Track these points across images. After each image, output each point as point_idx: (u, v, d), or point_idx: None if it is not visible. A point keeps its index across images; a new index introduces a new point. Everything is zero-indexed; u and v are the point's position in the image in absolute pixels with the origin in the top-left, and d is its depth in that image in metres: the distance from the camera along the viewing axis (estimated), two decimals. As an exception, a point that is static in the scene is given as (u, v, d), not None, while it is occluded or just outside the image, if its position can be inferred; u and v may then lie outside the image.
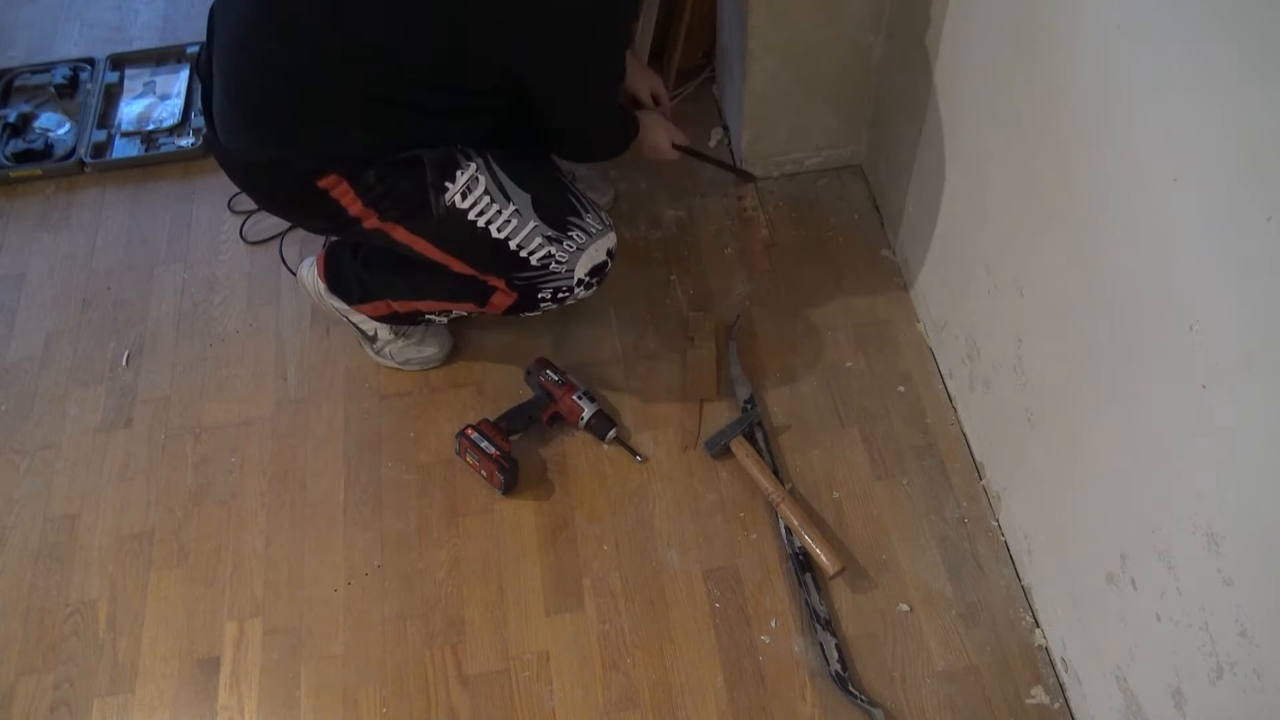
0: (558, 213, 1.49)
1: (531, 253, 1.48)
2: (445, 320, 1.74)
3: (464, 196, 1.44)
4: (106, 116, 2.21)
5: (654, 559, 1.59)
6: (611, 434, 1.69)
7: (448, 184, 1.43)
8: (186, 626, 1.57)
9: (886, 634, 1.51)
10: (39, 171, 2.12)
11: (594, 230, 1.51)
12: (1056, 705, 1.44)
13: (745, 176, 2.00)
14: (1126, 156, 1.09)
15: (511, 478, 1.63)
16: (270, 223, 2.02)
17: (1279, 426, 0.92)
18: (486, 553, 1.61)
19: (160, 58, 2.32)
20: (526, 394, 1.74)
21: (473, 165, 1.44)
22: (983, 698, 1.45)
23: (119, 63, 2.30)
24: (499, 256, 1.48)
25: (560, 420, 1.71)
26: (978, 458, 1.65)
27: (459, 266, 1.52)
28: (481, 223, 1.45)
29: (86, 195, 2.11)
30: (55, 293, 1.96)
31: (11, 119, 2.18)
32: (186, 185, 2.11)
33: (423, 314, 1.70)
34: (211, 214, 2.06)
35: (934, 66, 1.59)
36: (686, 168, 2.05)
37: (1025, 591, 1.53)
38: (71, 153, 2.13)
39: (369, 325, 1.74)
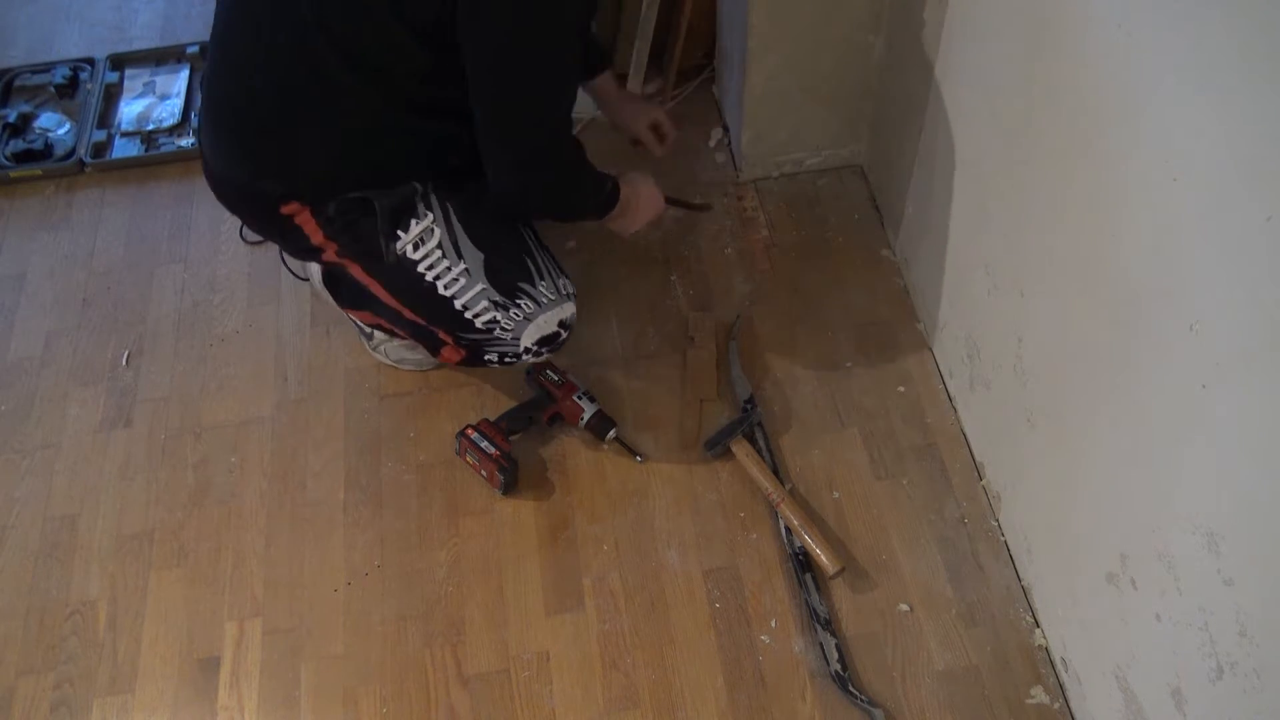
0: (509, 278, 1.44)
1: (477, 315, 1.45)
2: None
3: (415, 248, 1.42)
4: (106, 116, 2.21)
5: (654, 559, 1.59)
6: (611, 434, 1.68)
7: (400, 232, 1.41)
8: (186, 626, 1.57)
9: (886, 634, 1.51)
10: (39, 171, 2.12)
11: (545, 301, 1.46)
12: (1056, 705, 1.44)
13: (702, 208, 1.95)
14: (1126, 156, 1.09)
15: (511, 477, 1.63)
16: (270, 223, 2.03)
17: (1279, 426, 0.92)
18: (486, 553, 1.61)
19: (160, 58, 2.32)
20: (527, 394, 1.74)
21: (430, 216, 1.41)
22: (983, 698, 1.45)
23: (119, 63, 2.30)
24: (445, 312, 1.46)
25: (560, 420, 1.71)
26: (978, 458, 1.65)
27: (409, 315, 1.51)
28: (430, 277, 1.43)
29: (86, 195, 2.11)
30: (55, 293, 1.96)
31: (11, 119, 2.18)
32: (186, 185, 2.11)
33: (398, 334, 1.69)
34: (211, 214, 2.06)
35: (934, 66, 1.59)
36: (687, 168, 2.05)
37: (1025, 591, 1.53)
38: (71, 153, 2.13)
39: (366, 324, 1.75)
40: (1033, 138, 1.30)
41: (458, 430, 1.66)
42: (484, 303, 1.44)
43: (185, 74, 2.27)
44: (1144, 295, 1.09)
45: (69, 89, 2.26)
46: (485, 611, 1.56)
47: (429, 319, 1.50)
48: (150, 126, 2.18)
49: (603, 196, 1.54)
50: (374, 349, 1.79)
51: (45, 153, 2.14)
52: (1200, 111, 0.96)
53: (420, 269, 1.42)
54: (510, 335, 1.47)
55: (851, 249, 1.94)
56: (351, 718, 1.48)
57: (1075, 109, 1.18)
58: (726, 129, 2.10)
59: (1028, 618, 1.51)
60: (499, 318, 1.45)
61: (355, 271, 1.48)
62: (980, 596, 1.53)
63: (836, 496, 1.64)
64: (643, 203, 1.63)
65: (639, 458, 1.68)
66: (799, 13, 1.74)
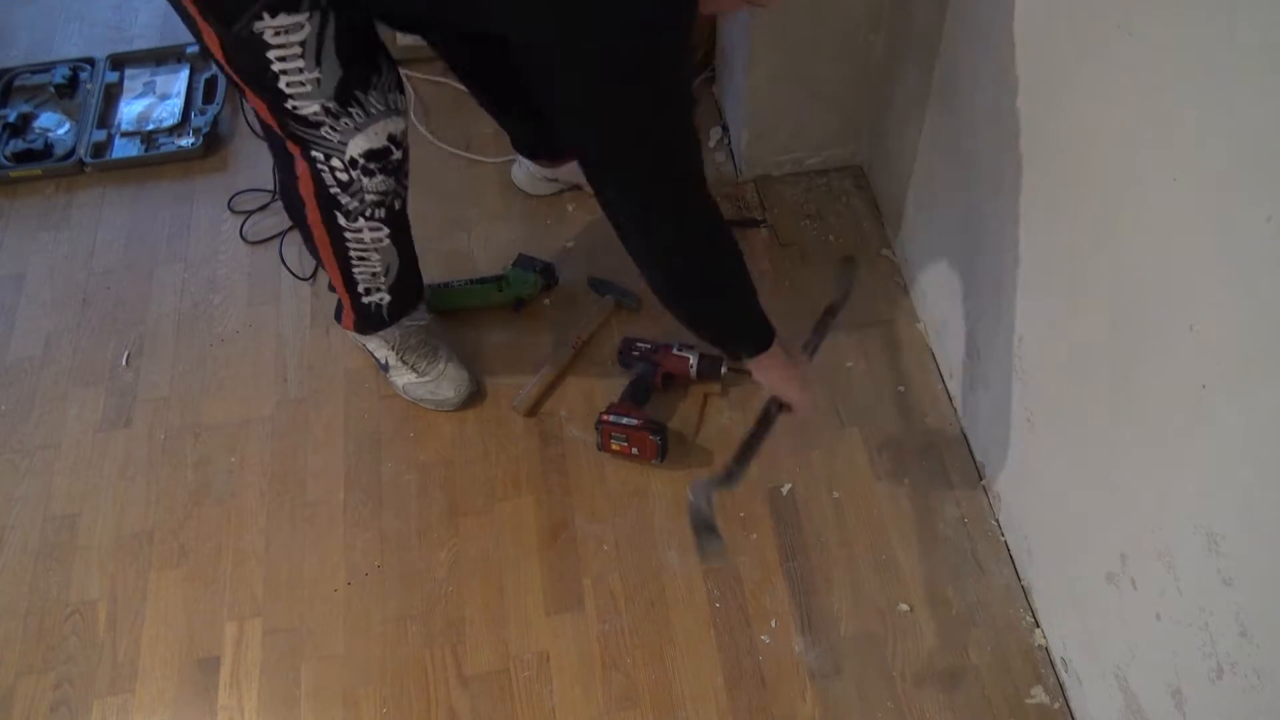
0: (349, 88, 1.34)
1: (305, 113, 1.35)
2: (376, 290, 1.61)
3: (276, 34, 1.27)
4: (106, 116, 2.21)
5: (654, 559, 1.59)
6: (724, 369, 1.71)
7: (267, 14, 1.25)
8: (186, 626, 1.57)
9: (886, 634, 1.51)
10: (39, 171, 2.12)
11: (375, 112, 1.37)
12: (1056, 705, 1.44)
13: (837, 306, 1.66)
14: (1126, 156, 1.09)
15: (664, 440, 1.64)
16: (270, 223, 2.02)
17: (1279, 426, 0.92)
18: (486, 553, 1.61)
19: (160, 58, 2.32)
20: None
21: (305, 15, 1.26)
22: (983, 698, 1.45)
23: (119, 62, 2.31)
24: (274, 99, 1.34)
25: (673, 380, 1.73)
26: (978, 458, 1.65)
27: (238, 79, 1.36)
28: (276, 69, 1.29)
29: (86, 195, 2.11)
30: (55, 293, 1.96)
31: (11, 119, 2.18)
32: (186, 185, 2.12)
33: (347, 277, 1.60)
34: (211, 214, 2.06)
35: (934, 66, 1.59)
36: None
37: (1025, 591, 1.53)
38: (71, 153, 2.13)
39: (381, 353, 1.74)
40: (1033, 137, 1.30)
41: (594, 422, 1.66)
42: (317, 106, 1.35)
43: (185, 74, 2.27)
44: (1144, 295, 1.09)
45: (69, 89, 2.26)
46: (485, 611, 1.56)
47: (257, 91, 1.36)
48: (150, 126, 2.18)
49: (736, 324, 1.44)
50: (391, 384, 1.78)
51: (45, 153, 2.14)
52: (1200, 111, 0.96)
53: (270, 55, 1.29)
54: (337, 139, 1.39)
55: (852, 249, 1.94)
56: (351, 718, 1.48)
57: (1075, 109, 1.18)
58: (726, 129, 2.10)
59: (1028, 618, 1.51)
60: (327, 123, 1.37)
61: (203, 28, 1.31)
62: (980, 596, 1.53)
63: (836, 496, 1.64)
64: (789, 388, 1.48)
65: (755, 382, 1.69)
66: (799, 12, 1.74)
